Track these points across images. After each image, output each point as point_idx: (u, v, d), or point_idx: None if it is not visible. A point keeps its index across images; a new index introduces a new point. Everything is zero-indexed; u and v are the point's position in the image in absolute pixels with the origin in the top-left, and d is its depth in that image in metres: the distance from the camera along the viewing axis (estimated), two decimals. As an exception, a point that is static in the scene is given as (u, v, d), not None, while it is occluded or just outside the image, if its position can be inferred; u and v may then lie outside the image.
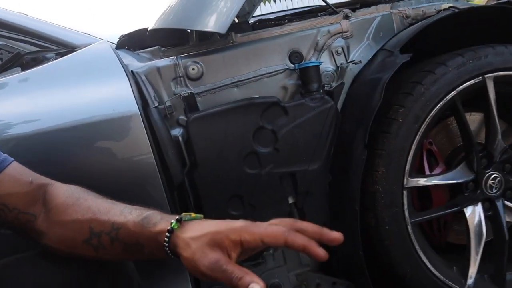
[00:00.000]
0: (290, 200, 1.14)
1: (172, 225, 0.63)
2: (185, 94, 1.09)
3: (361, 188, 1.10)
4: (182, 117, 1.11)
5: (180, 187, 1.07)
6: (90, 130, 0.97)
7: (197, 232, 0.61)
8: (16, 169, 0.74)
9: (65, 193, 0.74)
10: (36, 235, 0.73)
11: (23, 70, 1.12)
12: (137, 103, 1.00)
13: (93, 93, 1.03)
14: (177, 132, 1.10)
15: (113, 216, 0.69)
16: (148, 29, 1.23)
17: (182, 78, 1.11)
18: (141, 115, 0.98)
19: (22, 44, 1.21)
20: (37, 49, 1.17)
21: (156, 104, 1.02)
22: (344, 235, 0.61)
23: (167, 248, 0.62)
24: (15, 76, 1.08)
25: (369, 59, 1.18)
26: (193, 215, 0.65)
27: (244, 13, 1.55)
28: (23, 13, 1.29)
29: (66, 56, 1.11)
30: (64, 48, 1.17)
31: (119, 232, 0.68)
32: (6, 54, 1.19)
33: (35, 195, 0.73)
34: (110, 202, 0.73)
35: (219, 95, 1.13)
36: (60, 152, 0.96)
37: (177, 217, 0.64)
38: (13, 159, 0.75)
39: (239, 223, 0.61)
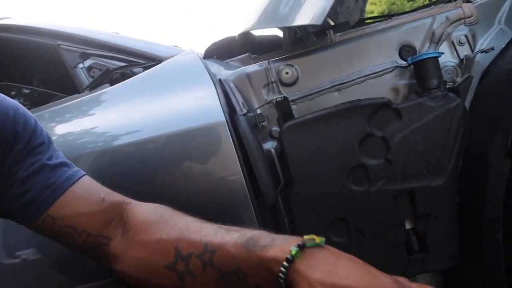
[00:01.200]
0: (408, 225, 0.92)
1: (292, 253, 0.48)
2: (277, 100, 0.95)
3: (504, 212, 0.86)
4: (275, 128, 0.97)
5: (273, 208, 0.92)
6: (171, 142, 0.87)
7: (330, 278, 0.46)
8: (85, 185, 0.64)
9: (146, 210, 0.63)
10: (109, 259, 0.63)
11: (111, 85, 1.08)
12: (223, 111, 0.88)
13: (177, 103, 0.94)
14: (270, 145, 0.96)
15: (207, 235, 0.56)
16: (237, 35, 1.13)
17: (274, 84, 0.98)
18: (227, 124, 0.86)
19: (112, 61, 1.18)
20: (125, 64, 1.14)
21: (245, 111, 0.89)
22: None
23: (283, 282, 0.48)
24: (102, 92, 1.04)
25: (504, 47, 0.94)
26: (317, 239, 0.50)
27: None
28: (115, 32, 1.28)
29: (151, 69, 1.05)
30: (152, 61, 1.12)
31: (214, 255, 0.54)
32: (98, 72, 1.16)
33: (107, 215, 0.63)
34: (200, 221, 0.60)
35: (318, 102, 0.98)
36: (140, 166, 0.87)
37: (298, 241, 0.49)
38: (85, 173, 0.66)
39: (386, 280, 0.47)
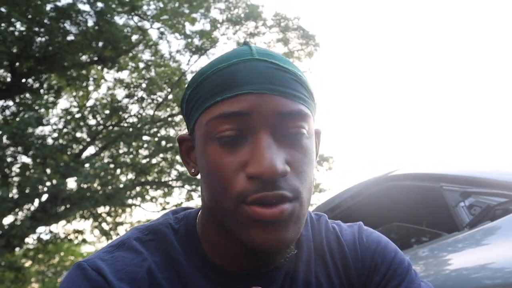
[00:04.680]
0: None
1: None
2: None
3: None
4: None
5: None
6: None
7: None
8: None
9: None
10: None
11: (492, 221, 1.05)
12: None
13: None
14: None
15: None
16: None
17: None
18: None
19: (494, 198, 1.15)
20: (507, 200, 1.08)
21: None
22: None
23: None
24: (489, 226, 1.03)
25: None
26: None
27: None
28: (497, 169, 1.26)
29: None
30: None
31: None
32: (479, 209, 1.15)
33: None
34: None
35: None
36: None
37: None
38: None
39: None
